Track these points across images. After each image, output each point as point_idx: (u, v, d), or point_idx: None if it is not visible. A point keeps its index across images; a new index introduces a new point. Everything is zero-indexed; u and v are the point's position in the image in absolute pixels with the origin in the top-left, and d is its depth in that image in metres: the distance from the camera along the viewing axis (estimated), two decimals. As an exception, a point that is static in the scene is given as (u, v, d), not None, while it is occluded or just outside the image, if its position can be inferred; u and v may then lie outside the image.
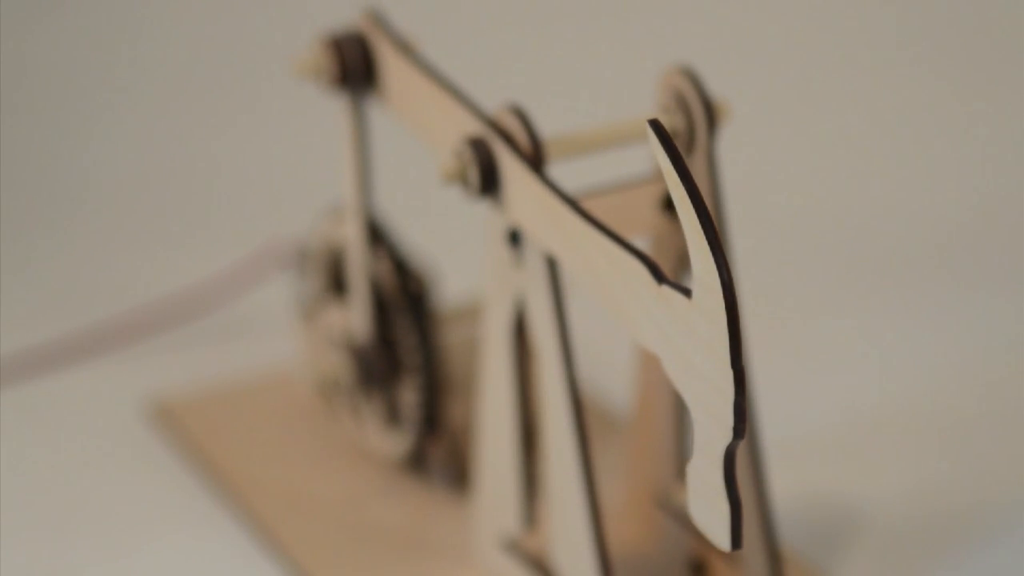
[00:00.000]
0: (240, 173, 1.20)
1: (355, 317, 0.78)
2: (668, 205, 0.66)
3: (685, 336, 0.56)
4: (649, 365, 0.71)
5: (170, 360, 0.94)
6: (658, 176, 0.67)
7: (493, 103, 0.67)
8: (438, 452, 0.79)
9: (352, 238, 0.77)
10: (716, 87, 0.70)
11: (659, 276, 0.57)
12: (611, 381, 0.87)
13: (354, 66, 0.73)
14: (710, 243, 0.53)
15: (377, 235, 0.77)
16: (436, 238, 0.97)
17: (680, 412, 0.71)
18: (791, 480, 0.79)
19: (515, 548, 0.71)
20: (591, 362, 0.88)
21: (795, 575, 0.72)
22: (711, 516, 0.57)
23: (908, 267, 1.04)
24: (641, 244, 0.70)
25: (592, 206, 0.65)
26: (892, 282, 1.02)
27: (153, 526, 0.79)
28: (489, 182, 0.65)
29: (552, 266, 0.64)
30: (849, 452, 0.83)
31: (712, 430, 0.56)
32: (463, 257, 0.93)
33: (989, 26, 1.18)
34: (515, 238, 0.66)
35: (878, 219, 1.10)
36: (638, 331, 0.58)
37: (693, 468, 0.57)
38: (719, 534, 0.57)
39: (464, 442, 0.80)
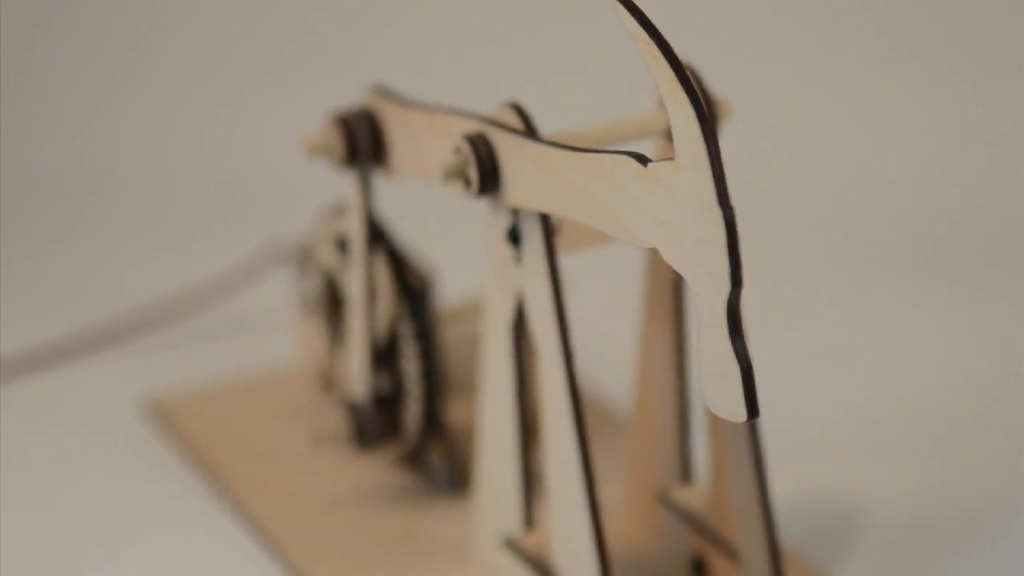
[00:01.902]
0: (242, 174, 1.20)
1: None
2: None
3: (675, 204, 0.56)
4: (650, 362, 0.71)
5: (171, 359, 0.95)
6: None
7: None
8: (438, 452, 0.79)
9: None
10: (716, 85, 0.70)
11: (643, 160, 0.58)
12: (611, 379, 0.87)
13: (363, 143, 0.73)
14: (687, 93, 0.54)
15: (377, 235, 0.77)
16: (434, 243, 0.97)
17: (681, 409, 0.71)
18: (791, 480, 0.79)
19: (515, 547, 0.71)
20: (591, 361, 0.88)
21: (795, 575, 0.72)
22: (724, 391, 0.56)
23: (909, 267, 1.04)
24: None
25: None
26: (893, 282, 1.02)
27: (150, 523, 0.79)
28: (488, 175, 0.65)
29: (552, 265, 0.64)
30: (849, 452, 0.83)
31: (713, 292, 0.56)
32: (460, 262, 0.93)
33: (998, 25, 1.18)
34: (515, 237, 0.66)
35: (878, 219, 1.10)
36: (638, 236, 0.59)
37: (703, 350, 0.57)
38: (734, 405, 0.56)
39: (462, 441, 0.80)
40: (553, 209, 0.63)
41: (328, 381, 0.87)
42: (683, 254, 0.57)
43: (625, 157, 0.59)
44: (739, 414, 0.56)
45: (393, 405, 0.78)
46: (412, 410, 0.77)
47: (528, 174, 0.63)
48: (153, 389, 0.90)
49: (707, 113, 0.55)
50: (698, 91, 0.55)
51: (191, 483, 0.82)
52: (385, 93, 0.73)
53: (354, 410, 0.78)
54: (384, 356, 0.78)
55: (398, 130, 0.72)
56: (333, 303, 0.84)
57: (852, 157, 1.16)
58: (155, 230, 1.14)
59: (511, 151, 0.64)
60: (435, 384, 0.77)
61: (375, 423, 0.78)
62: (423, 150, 0.70)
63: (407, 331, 0.76)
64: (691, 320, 0.70)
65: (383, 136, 0.73)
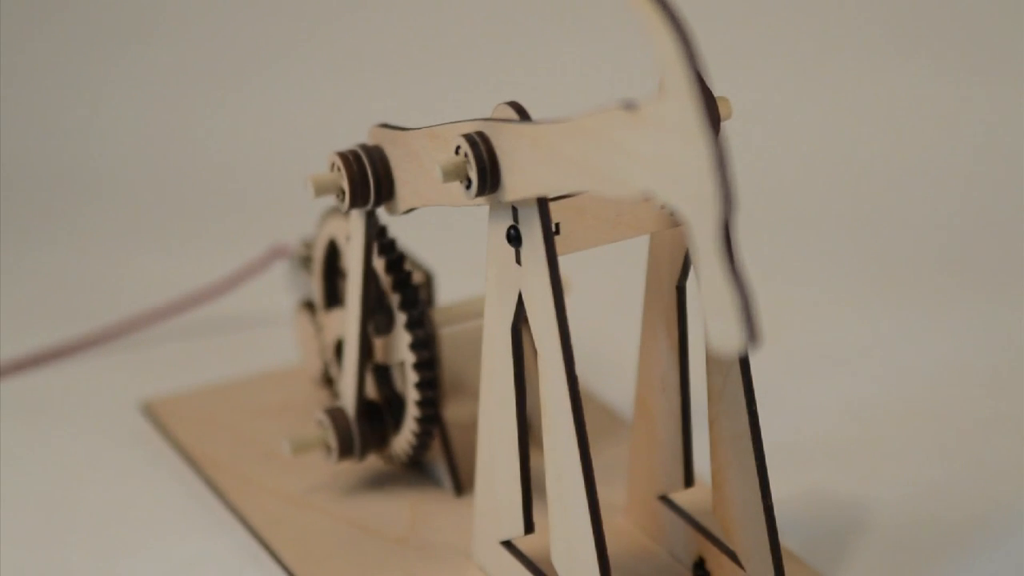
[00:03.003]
0: (247, 175, 1.20)
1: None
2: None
3: (664, 138, 0.55)
4: (650, 363, 0.71)
5: (171, 360, 0.95)
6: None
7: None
8: (437, 451, 0.79)
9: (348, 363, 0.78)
10: (717, 85, 0.70)
11: (630, 105, 0.57)
12: (611, 379, 0.87)
13: (372, 182, 0.72)
14: (667, 17, 0.53)
15: (379, 239, 0.77)
16: (433, 245, 0.97)
17: (682, 410, 0.71)
18: (792, 480, 0.79)
19: (515, 548, 0.71)
20: (591, 361, 0.88)
21: (795, 575, 0.72)
22: (724, 325, 0.54)
23: (910, 268, 1.04)
24: (641, 244, 0.71)
25: (592, 204, 0.65)
26: (893, 283, 1.02)
27: (149, 523, 0.79)
28: (487, 170, 0.64)
29: (552, 265, 0.64)
30: (849, 453, 0.83)
31: (704, 219, 0.55)
32: (459, 264, 0.93)
33: (1012, 23, 1.18)
34: (515, 238, 0.66)
35: (879, 220, 1.10)
36: (634, 186, 0.58)
37: (702, 288, 0.56)
38: (731, 333, 0.54)
39: (459, 440, 0.80)
40: (552, 187, 0.62)
41: (327, 374, 0.86)
42: (676, 188, 0.56)
43: (612, 109, 0.58)
44: (737, 341, 0.54)
45: (382, 413, 0.78)
46: (411, 415, 0.77)
47: (525, 160, 0.63)
48: (154, 389, 0.90)
49: (690, 40, 0.53)
50: (681, 18, 0.54)
51: (190, 482, 0.82)
52: (387, 126, 0.72)
53: (340, 417, 0.77)
54: (383, 366, 0.78)
55: (403, 163, 0.71)
56: (332, 268, 0.83)
57: (852, 158, 1.16)
58: (159, 231, 1.14)
59: (507, 140, 0.64)
60: (436, 393, 0.77)
61: (361, 432, 0.77)
62: (427, 169, 0.69)
63: (407, 337, 0.76)
64: (692, 320, 0.70)
65: (389, 171, 0.72)
